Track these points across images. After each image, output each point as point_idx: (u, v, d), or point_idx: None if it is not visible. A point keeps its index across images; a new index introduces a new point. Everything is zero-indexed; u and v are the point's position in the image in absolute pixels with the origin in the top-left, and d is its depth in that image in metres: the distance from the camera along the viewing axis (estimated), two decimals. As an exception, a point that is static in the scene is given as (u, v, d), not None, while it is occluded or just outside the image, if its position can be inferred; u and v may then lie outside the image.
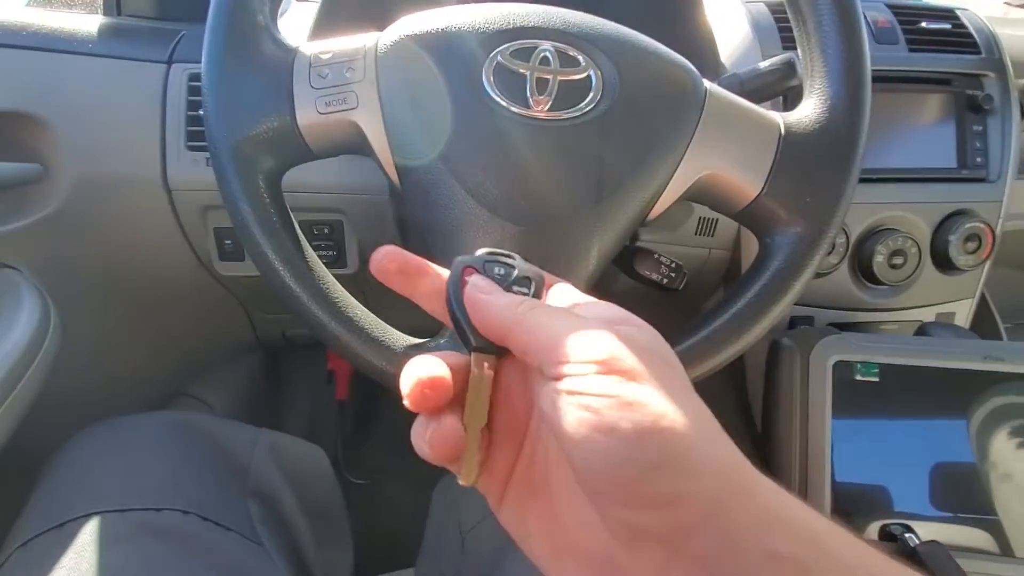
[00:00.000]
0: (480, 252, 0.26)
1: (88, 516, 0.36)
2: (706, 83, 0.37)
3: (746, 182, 0.36)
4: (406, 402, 0.21)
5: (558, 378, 0.20)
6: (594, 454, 0.18)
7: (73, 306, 0.50)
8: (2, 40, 0.49)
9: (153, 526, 0.37)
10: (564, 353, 0.20)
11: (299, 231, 0.37)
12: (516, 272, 0.25)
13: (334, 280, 0.36)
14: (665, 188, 0.36)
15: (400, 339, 0.36)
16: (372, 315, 0.36)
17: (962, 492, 0.50)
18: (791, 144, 0.36)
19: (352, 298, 0.37)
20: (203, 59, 0.35)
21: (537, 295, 0.24)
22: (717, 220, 0.59)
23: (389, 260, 0.25)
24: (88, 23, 0.55)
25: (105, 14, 0.60)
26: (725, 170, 0.36)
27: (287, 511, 0.46)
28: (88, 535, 0.35)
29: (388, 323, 0.37)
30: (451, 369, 0.22)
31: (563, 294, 0.25)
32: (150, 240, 0.56)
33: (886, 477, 0.50)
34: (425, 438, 0.21)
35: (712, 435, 0.19)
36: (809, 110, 0.37)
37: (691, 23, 0.57)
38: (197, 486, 0.41)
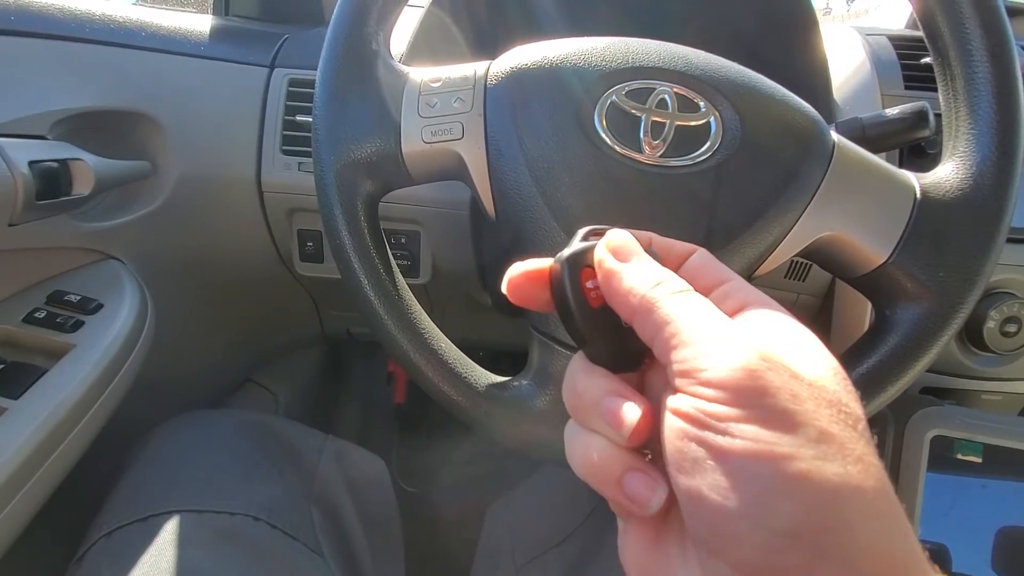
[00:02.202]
0: (581, 236, 0.21)
1: (169, 514, 0.38)
2: (834, 135, 0.34)
3: (871, 248, 0.33)
4: (627, 440, 0.18)
5: (676, 391, 0.16)
6: (702, 501, 0.15)
7: (164, 296, 0.53)
8: (123, 40, 0.51)
9: (227, 531, 0.38)
10: (689, 361, 0.16)
11: (391, 256, 0.37)
12: None
13: (421, 309, 0.36)
14: (778, 246, 0.34)
15: (483, 377, 0.35)
16: (456, 349, 0.36)
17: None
18: (927, 210, 0.33)
19: (437, 329, 0.36)
20: (317, 82, 0.35)
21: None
22: (811, 265, 0.55)
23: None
24: (198, 23, 0.57)
25: (214, 14, 0.62)
26: (849, 233, 0.33)
27: (347, 521, 0.47)
28: (168, 533, 0.36)
29: (451, 335, 0.36)
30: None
31: (711, 275, 0.20)
32: (238, 237, 0.58)
33: (947, 535, 0.47)
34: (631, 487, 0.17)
35: (885, 517, 0.15)
36: (950, 173, 0.34)
37: (807, 54, 0.54)
38: (267, 491, 0.42)
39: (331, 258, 0.60)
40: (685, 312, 0.17)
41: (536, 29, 0.40)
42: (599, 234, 0.21)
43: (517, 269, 0.21)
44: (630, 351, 0.20)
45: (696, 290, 0.19)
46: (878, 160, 0.34)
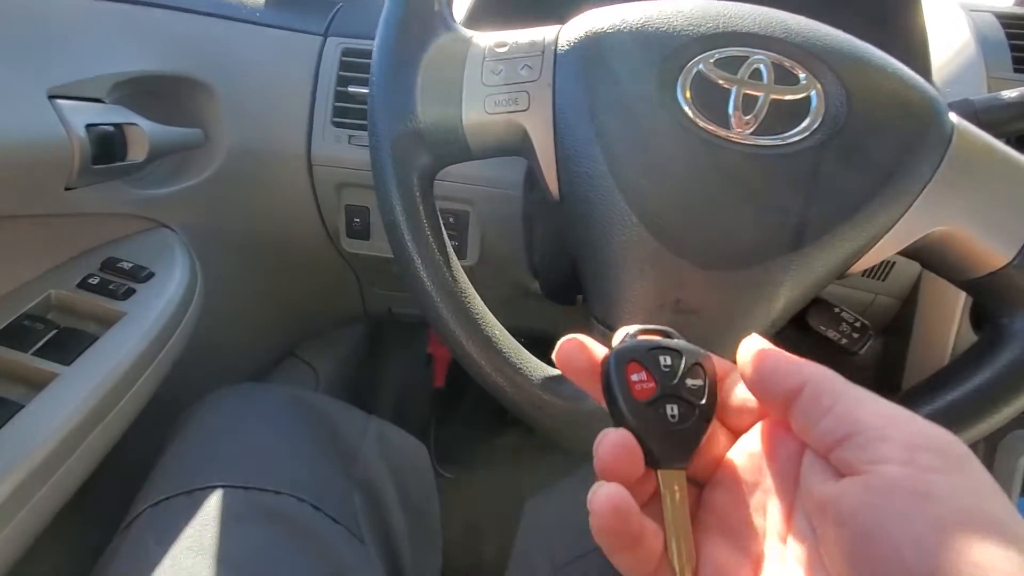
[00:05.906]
0: (634, 332, 0.22)
1: (214, 488, 0.37)
2: (953, 117, 0.30)
3: (992, 247, 0.29)
4: (597, 467, 0.19)
5: (861, 471, 0.16)
6: None
7: (213, 267, 0.52)
8: (181, 4, 0.50)
9: (270, 509, 0.37)
10: (878, 436, 0.16)
11: (445, 236, 0.34)
12: (684, 360, 0.21)
13: (475, 293, 0.34)
14: (880, 240, 0.30)
15: (537, 369, 0.33)
16: (510, 337, 0.34)
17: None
18: None
19: (491, 315, 0.34)
20: (375, 46, 0.33)
21: (713, 387, 0.21)
22: (893, 264, 0.51)
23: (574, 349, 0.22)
24: (255, -10, 0.56)
25: (270, -18, 0.61)
26: (965, 228, 0.29)
27: (387, 506, 0.46)
28: (213, 508, 0.36)
29: (502, 320, 0.34)
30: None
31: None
32: (286, 210, 0.57)
33: None
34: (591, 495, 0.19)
35: None
36: None
37: (906, 27, 0.48)
38: (311, 471, 0.42)
39: (377, 235, 0.59)
40: (838, 392, 0.18)
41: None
42: (650, 333, 0.22)
43: (574, 337, 0.22)
44: (676, 446, 0.20)
45: (820, 446, 0.18)
46: (1005, 147, 0.30)
